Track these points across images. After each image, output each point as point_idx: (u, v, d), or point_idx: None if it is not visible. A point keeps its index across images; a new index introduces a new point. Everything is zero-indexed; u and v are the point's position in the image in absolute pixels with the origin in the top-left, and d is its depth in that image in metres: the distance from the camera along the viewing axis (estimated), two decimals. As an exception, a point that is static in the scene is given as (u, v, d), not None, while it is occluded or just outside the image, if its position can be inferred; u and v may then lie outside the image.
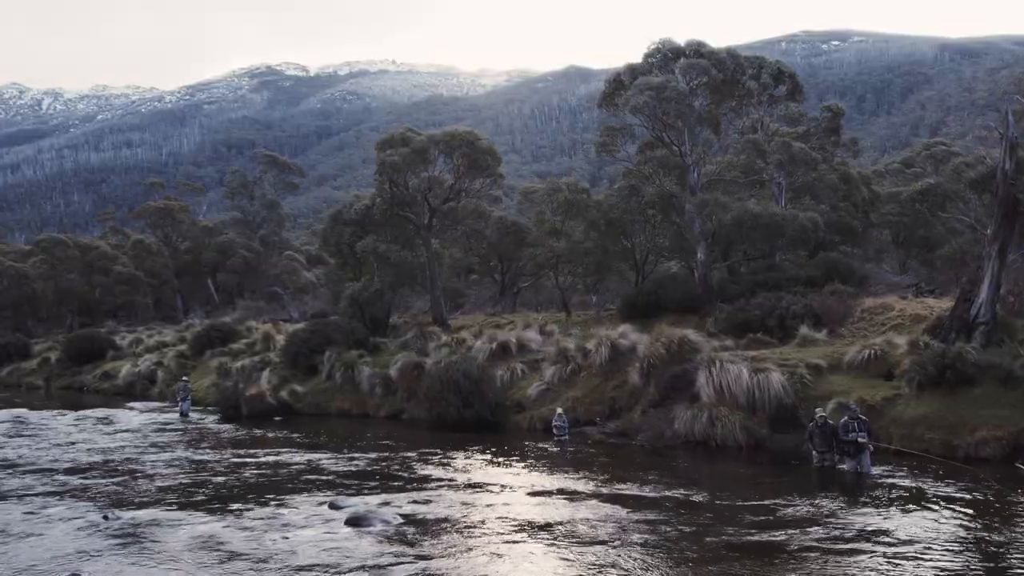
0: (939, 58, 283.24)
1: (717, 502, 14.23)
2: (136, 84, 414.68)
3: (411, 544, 11.82)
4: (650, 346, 23.73)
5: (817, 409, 17.71)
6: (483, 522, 13.08)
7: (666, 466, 18.58)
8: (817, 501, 14.04)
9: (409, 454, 20.37)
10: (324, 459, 19.78)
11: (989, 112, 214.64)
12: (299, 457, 20.09)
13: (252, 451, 21.29)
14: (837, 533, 11.90)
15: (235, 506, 14.67)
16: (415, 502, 14.68)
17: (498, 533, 12.39)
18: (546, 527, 12.61)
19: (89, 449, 21.61)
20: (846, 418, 16.69)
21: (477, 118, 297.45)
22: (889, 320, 24.84)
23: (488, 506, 14.22)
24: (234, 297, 58.93)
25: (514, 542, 11.87)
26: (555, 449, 21.02)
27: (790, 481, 16.08)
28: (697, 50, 28.61)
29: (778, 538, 11.76)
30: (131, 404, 34.84)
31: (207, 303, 59.98)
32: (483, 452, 20.50)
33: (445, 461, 19.37)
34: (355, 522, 12.97)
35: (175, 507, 14.67)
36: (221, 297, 60.00)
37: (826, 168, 34.97)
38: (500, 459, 19.58)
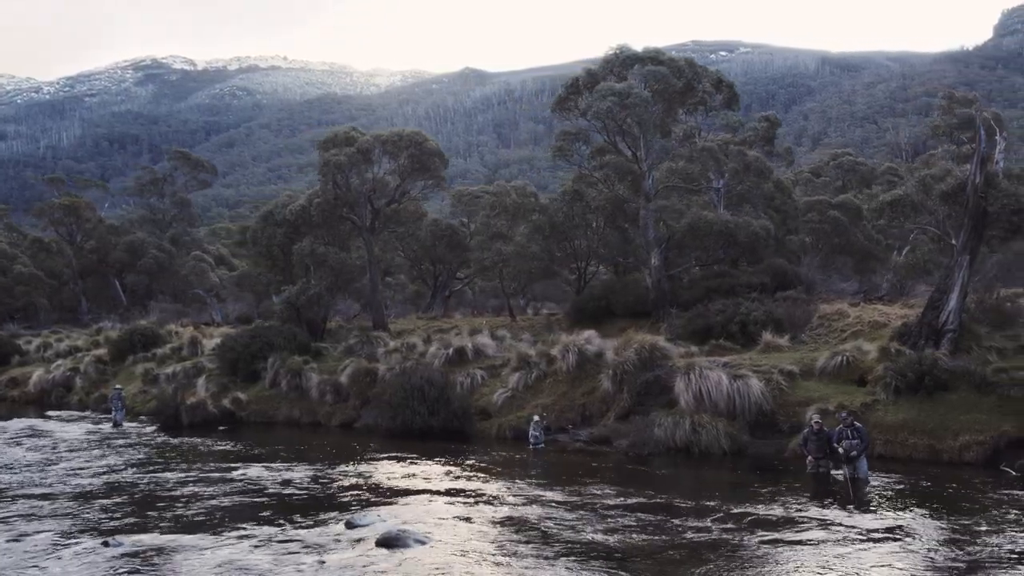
0: (820, 71, 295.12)
1: (733, 513, 14.14)
2: (11, 73, 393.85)
3: (462, 566, 11.29)
4: (620, 352, 23.67)
5: (813, 415, 17.90)
6: (520, 541, 12.63)
7: (661, 475, 18.46)
8: (844, 509, 14.12)
9: (389, 465, 19.71)
10: (303, 473, 18.88)
11: (867, 124, 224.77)
12: (275, 471, 19.11)
13: (218, 464, 20.17)
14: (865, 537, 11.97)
15: (241, 527, 13.77)
16: (434, 518, 14.09)
17: (545, 555, 11.97)
18: (596, 547, 12.27)
19: (44, 467, 20.07)
20: (840, 425, 16.89)
21: (371, 118, 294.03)
22: (848, 326, 25.43)
23: (522, 522, 13.71)
24: (143, 299, 56.30)
25: (576, 563, 11.48)
26: (535, 458, 20.67)
27: (793, 488, 16.13)
28: (655, 57, 28.77)
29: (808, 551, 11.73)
30: (49, 414, 32.82)
31: (114, 305, 57.09)
32: (464, 462, 19.92)
33: (432, 472, 18.76)
34: (388, 543, 12.31)
35: (174, 529, 13.68)
36: (129, 299, 57.22)
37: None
38: (485, 469, 19.07)
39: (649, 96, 27.13)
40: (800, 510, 14.12)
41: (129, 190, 69.16)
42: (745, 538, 12.36)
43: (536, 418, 22.13)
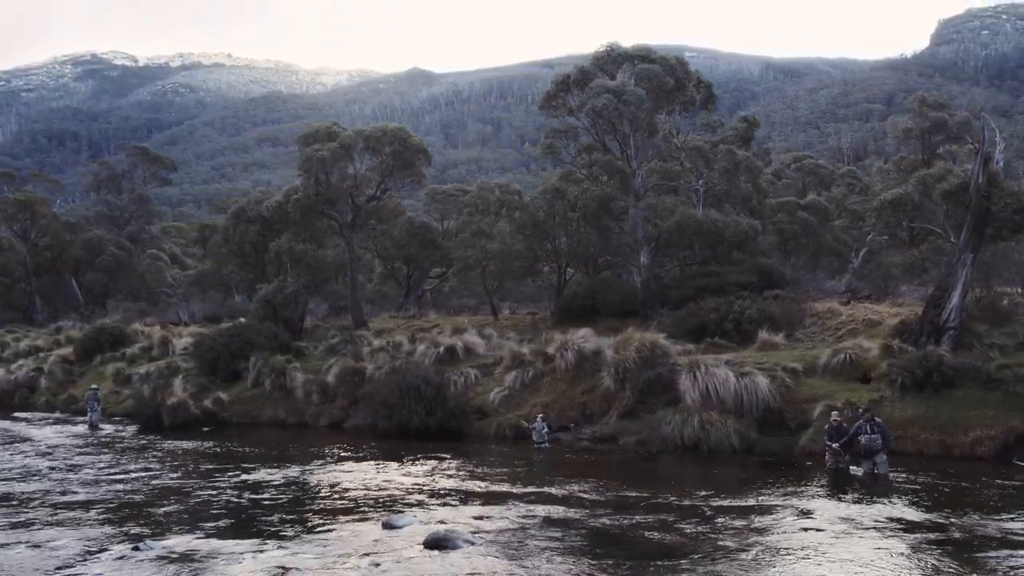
0: (764, 76, 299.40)
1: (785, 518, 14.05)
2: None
3: (523, 567, 10.99)
4: (620, 350, 23.52)
5: (833, 412, 17.95)
6: (572, 540, 12.37)
7: (678, 473, 18.42)
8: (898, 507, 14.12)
9: (398, 465, 19.26)
10: (314, 474, 18.39)
11: (810, 129, 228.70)
12: (284, 472, 18.51)
13: (222, 466, 19.57)
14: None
15: (272, 529, 13.29)
16: (468, 518, 13.72)
17: (602, 553, 11.73)
18: (651, 544, 12.07)
19: (46, 473, 19.23)
20: (861, 421, 16.96)
21: (317, 117, 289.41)
22: (841, 324, 25.66)
23: (564, 521, 13.42)
24: (100, 298, 54.66)
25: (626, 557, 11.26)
26: (542, 456, 20.46)
27: (817, 485, 16.13)
28: (646, 55, 28.74)
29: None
30: (17, 415, 31.65)
31: (69, 304, 55.30)
32: (472, 461, 19.64)
33: (445, 472, 18.40)
34: (437, 544, 11.91)
35: (204, 533, 13.12)
36: (86, 298, 55.48)
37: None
38: (497, 468, 18.78)
39: (644, 94, 27.08)
40: (837, 507, 14.11)
41: (69, 188, 66.87)
42: (798, 535, 12.29)
43: (540, 417, 21.91)
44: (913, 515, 13.33)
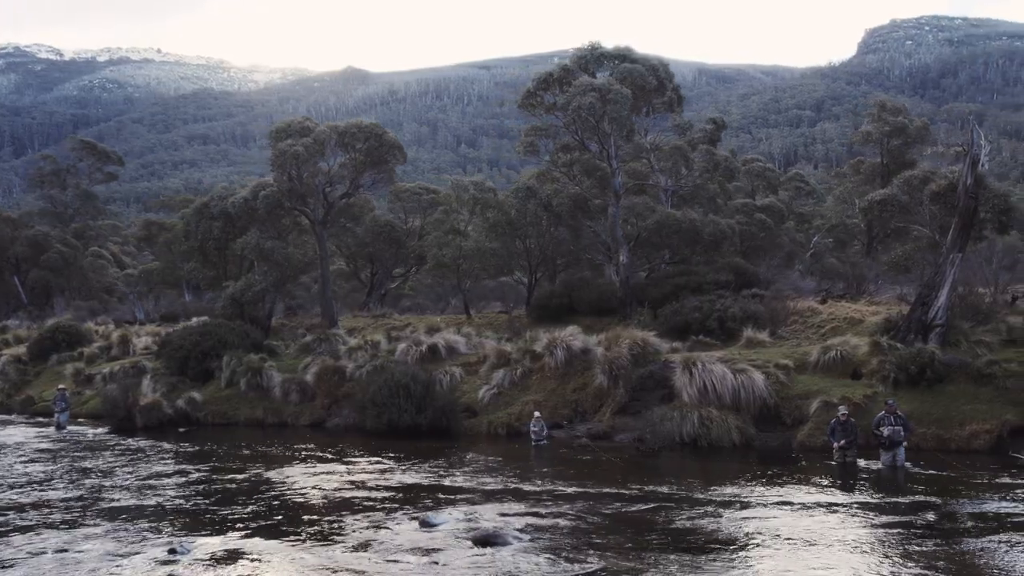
0: (697, 81, 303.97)
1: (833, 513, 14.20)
2: None
3: (583, 558, 10.89)
4: (611, 348, 23.58)
5: (840, 407, 18.23)
6: (622, 534, 12.33)
7: (686, 468, 18.43)
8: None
9: (403, 464, 18.93)
10: (321, 475, 17.98)
11: (742, 134, 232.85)
12: (288, 474, 18.10)
13: (220, 466, 19.06)
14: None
15: (305, 528, 12.93)
16: (500, 515, 13.59)
17: (655, 546, 11.71)
18: (708, 537, 12.07)
19: (54, 478, 18.48)
20: (883, 412, 17.28)
21: (250, 115, 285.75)
22: (824, 322, 26.09)
23: (611, 516, 13.37)
24: (45, 297, 52.78)
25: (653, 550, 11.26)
26: (543, 453, 20.38)
27: (831, 479, 16.36)
28: (626, 55, 28.88)
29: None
30: (-30, 417, 30.38)
31: (12, 304, 53.26)
32: (475, 460, 19.44)
33: (453, 470, 18.12)
34: (487, 541, 11.72)
35: (236, 535, 12.64)
36: (29, 296, 53.49)
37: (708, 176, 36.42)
38: (505, 466, 18.56)
39: (629, 93, 27.19)
40: (862, 498, 14.32)
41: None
42: (840, 528, 12.43)
43: (537, 414, 21.85)
44: (957, 507, 13.57)
